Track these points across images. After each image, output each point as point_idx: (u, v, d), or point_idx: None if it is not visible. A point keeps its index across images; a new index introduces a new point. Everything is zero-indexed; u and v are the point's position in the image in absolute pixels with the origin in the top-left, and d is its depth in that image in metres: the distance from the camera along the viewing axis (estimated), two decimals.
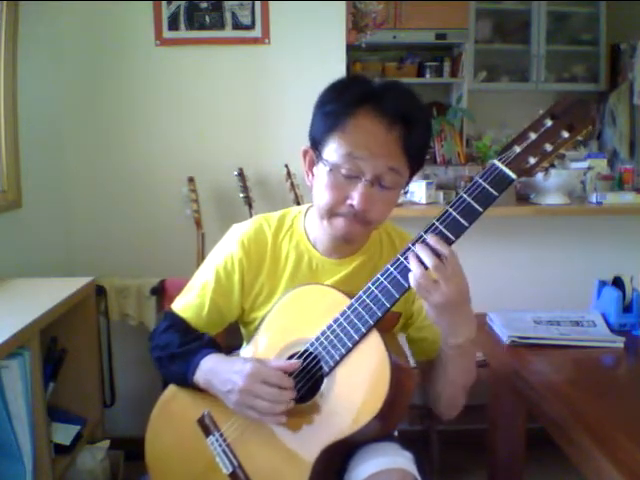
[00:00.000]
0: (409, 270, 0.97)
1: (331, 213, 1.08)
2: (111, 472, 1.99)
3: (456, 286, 0.94)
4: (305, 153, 1.14)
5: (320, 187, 1.08)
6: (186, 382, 1.11)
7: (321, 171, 1.08)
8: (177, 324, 1.19)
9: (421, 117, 1.07)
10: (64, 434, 1.78)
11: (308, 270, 1.17)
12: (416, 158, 1.08)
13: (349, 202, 1.05)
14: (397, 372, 0.98)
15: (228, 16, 2.30)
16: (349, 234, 1.09)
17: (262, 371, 1.02)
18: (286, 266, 1.18)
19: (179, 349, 1.14)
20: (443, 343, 1.05)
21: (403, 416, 1.08)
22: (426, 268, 0.94)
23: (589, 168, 2.49)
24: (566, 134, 0.93)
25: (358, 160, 1.03)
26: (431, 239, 0.95)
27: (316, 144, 1.09)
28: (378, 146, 1.03)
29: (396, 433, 1.25)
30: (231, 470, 1.07)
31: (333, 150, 1.05)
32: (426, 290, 0.95)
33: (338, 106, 1.04)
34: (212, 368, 1.08)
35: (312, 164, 1.12)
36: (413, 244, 0.97)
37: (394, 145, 1.04)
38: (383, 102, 1.03)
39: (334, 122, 1.04)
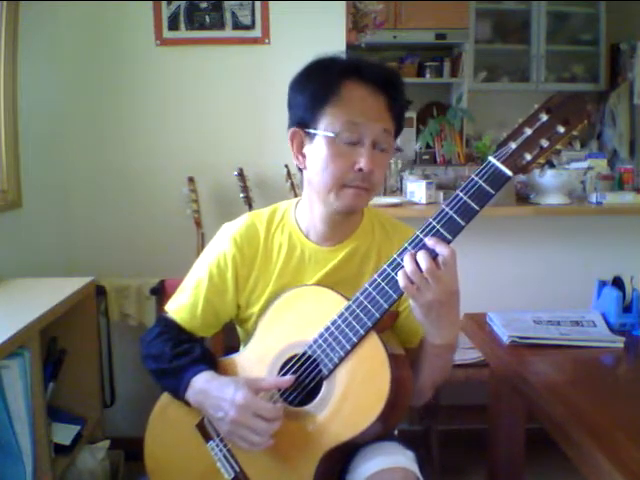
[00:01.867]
0: None
1: (340, 184, 1.08)
2: (111, 472, 1.99)
3: (445, 286, 0.94)
4: (294, 135, 1.14)
5: (321, 161, 1.08)
6: (178, 398, 1.11)
7: (318, 146, 1.09)
8: (170, 330, 1.18)
9: (401, 82, 1.13)
10: (64, 434, 1.78)
11: (300, 260, 1.17)
12: (399, 121, 1.13)
13: (357, 167, 1.06)
14: (397, 372, 0.98)
15: (228, 16, 2.30)
16: (357, 204, 1.11)
17: (253, 404, 1.01)
18: (279, 258, 1.18)
19: (169, 364, 1.12)
20: (423, 342, 1.06)
21: (404, 415, 1.08)
22: (420, 269, 0.94)
23: (589, 168, 2.49)
24: (562, 129, 0.92)
25: (357, 126, 1.06)
26: (429, 240, 0.95)
27: (306, 122, 1.10)
28: (372, 110, 1.07)
29: (396, 432, 1.25)
30: (233, 475, 1.06)
31: (331, 121, 1.07)
32: (415, 288, 0.94)
33: (325, 80, 1.08)
34: (203, 389, 1.07)
35: (301, 145, 1.13)
36: (410, 244, 0.97)
37: (383, 109, 1.09)
38: (365, 72, 1.08)
39: (324, 95, 1.07)
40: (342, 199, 1.09)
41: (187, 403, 1.10)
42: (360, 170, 1.06)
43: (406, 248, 0.97)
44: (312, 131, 1.09)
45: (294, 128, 1.14)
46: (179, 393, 1.10)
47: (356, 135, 1.06)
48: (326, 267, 1.16)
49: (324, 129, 1.08)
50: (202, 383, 1.07)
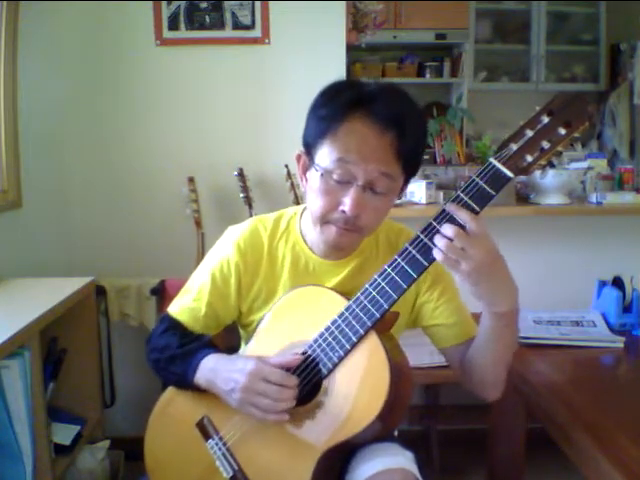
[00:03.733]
0: (407, 270, 0.96)
1: (323, 220, 1.07)
2: (111, 472, 1.99)
3: (484, 247, 0.91)
4: (298, 158, 1.13)
5: (312, 193, 1.07)
6: (186, 383, 1.11)
7: (313, 176, 1.07)
8: (175, 327, 1.19)
9: (415, 121, 1.04)
10: (64, 434, 1.78)
11: (305, 272, 1.17)
12: (410, 163, 1.06)
13: (341, 208, 1.04)
14: (396, 373, 0.98)
15: (228, 16, 2.30)
16: (340, 242, 1.09)
17: (264, 369, 1.02)
18: (283, 268, 1.17)
19: (179, 350, 1.13)
20: (486, 319, 1.02)
21: (403, 416, 1.07)
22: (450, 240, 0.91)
23: (589, 168, 2.49)
24: (563, 131, 0.92)
25: (350, 165, 1.01)
26: (451, 207, 0.92)
27: (309, 149, 1.08)
28: (370, 151, 1.01)
29: (396, 433, 1.25)
30: (231, 474, 1.06)
31: (325, 155, 1.04)
32: (454, 260, 0.91)
33: (330, 110, 1.03)
34: (213, 368, 1.08)
35: (305, 169, 1.11)
36: (411, 244, 0.96)
37: (387, 150, 1.02)
38: (375, 106, 1.01)
39: (326, 127, 1.03)
40: (325, 234, 1.08)
41: (194, 388, 1.10)
42: (343, 212, 1.04)
43: (406, 248, 0.97)
44: (312, 159, 1.07)
45: (300, 151, 1.11)
46: (187, 377, 1.09)
47: (347, 174, 1.02)
48: (331, 281, 1.15)
49: (318, 161, 1.05)
50: (212, 363, 1.08)
